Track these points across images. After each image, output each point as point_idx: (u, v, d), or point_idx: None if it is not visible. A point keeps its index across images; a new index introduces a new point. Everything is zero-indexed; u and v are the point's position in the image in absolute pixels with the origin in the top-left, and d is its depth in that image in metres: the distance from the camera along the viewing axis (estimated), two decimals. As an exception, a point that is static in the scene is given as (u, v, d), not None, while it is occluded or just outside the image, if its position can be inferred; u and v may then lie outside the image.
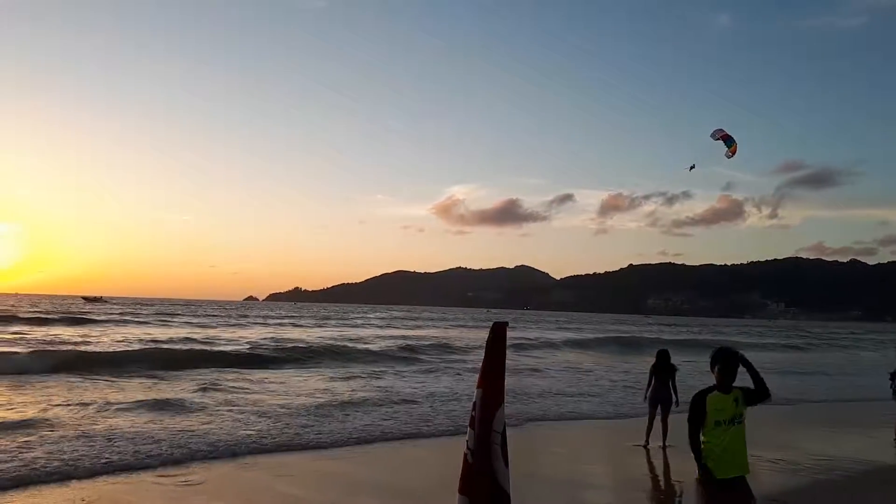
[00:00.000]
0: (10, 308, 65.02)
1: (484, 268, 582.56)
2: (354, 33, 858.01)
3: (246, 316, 73.29)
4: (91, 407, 12.37)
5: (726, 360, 4.84)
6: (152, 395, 13.98)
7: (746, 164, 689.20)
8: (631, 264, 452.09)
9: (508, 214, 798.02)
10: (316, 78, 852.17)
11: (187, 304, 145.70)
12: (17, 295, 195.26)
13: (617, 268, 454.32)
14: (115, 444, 9.47)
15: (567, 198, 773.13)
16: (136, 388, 15.28)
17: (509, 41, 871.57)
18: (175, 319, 56.78)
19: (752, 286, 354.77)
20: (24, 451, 8.84)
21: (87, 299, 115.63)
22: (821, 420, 14.66)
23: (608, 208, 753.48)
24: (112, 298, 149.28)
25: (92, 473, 8.06)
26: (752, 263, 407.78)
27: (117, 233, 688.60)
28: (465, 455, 4.58)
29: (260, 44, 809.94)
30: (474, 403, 4.66)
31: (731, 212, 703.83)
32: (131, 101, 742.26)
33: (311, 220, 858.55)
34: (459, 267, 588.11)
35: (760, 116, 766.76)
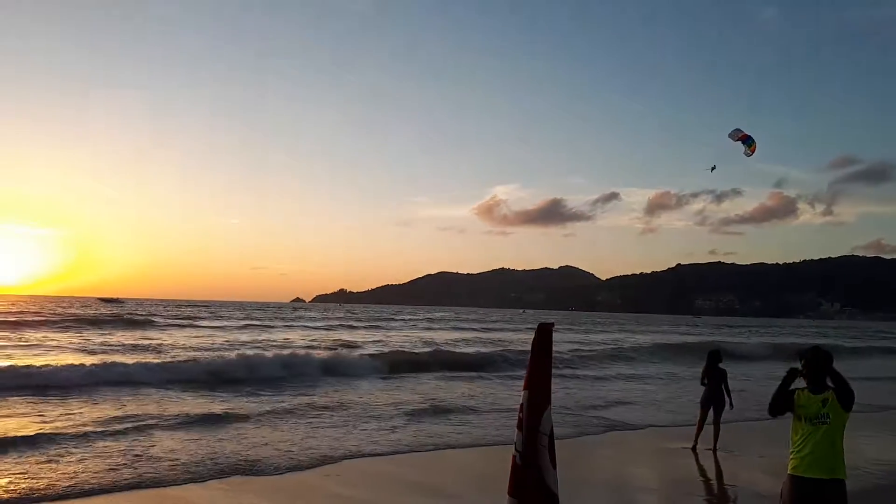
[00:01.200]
0: (59, 312, 67.01)
1: (527, 269, 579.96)
2: (397, 35, 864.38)
3: (307, 318, 73.24)
4: (177, 418, 12.21)
5: (811, 358, 4.74)
6: (222, 407, 13.64)
7: (798, 160, 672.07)
8: (679, 264, 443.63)
9: (552, 214, 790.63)
10: (359, 79, 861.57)
11: (239, 306, 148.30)
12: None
13: (664, 268, 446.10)
14: (168, 455, 9.73)
15: (612, 197, 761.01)
16: (218, 398, 14.95)
17: (550, 39, 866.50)
18: (239, 322, 56.85)
19: (805, 285, 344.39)
20: (67, 462, 9.17)
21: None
22: (882, 426, 14.15)
23: (655, 207, 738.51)
24: (150, 300, 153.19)
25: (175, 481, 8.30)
26: (805, 262, 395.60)
27: (164, 236, 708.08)
28: (514, 457, 4.60)
29: (304, 45, 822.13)
30: (521, 405, 4.67)
31: (782, 209, 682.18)
32: (175, 106, 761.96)
33: (354, 222, 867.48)
34: (502, 268, 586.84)
35: (812, 111, 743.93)
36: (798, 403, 4.75)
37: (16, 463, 8.63)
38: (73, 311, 66.74)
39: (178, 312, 74.36)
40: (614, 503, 8.10)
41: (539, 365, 4.68)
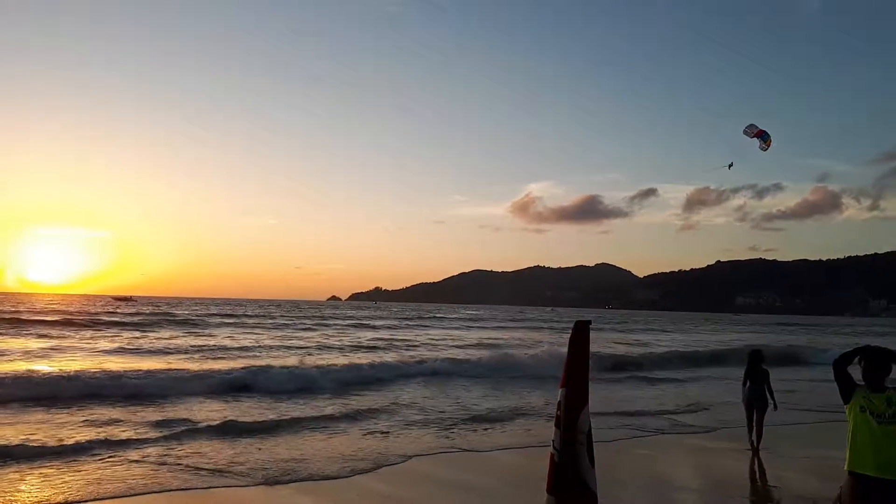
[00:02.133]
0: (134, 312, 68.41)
1: (563, 266, 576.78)
2: (430, 35, 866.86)
3: (352, 318, 72.87)
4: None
5: (872, 356, 4.56)
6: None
7: (842, 154, 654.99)
8: (718, 261, 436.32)
9: (588, 211, 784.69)
10: (391, 80, 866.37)
11: (277, 304, 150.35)
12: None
13: (704, 265, 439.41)
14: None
15: (650, 193, 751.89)
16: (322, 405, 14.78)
17: (584, 35, 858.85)
18: (289, 322, 56.95)
19: (850, 282, 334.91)
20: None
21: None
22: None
23: (694, 203, 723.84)
24: (193, 300, 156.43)
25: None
26: (849, 258, 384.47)
27: (205, 237, 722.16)
28: (552, 455, 4.59)
29: (336, 47, 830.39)
30: (559, 403, 4.65)
31: (826, 204, 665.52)
32: (213, 107, 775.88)
33: (389, 221, 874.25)
34: (538, 265, 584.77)
35: (857, 104, 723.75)
36: (860, 395, 4.56)
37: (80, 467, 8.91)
38: (124, 311, 68.12)
39: (218, 311, 75.57)
40: (652, 502, 8.02)
41: (576, 363, 4.66)
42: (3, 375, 15.37)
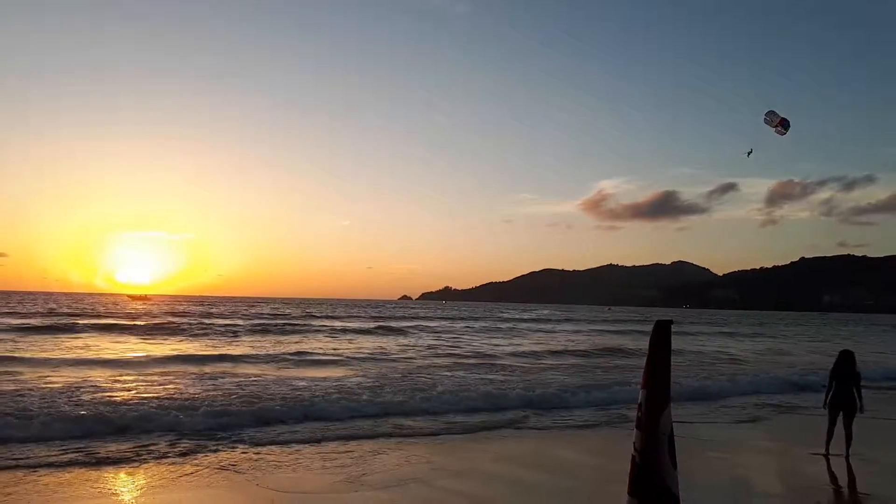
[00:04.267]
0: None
1: (637, 264, 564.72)
2: (497, 34, 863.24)
3: (439, 319, 72.72)
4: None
5: None
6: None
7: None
8: (803, 257, 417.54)
9: (664, 207, 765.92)
10: (461, 81, 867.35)
11: (354, 304, 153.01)
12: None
13: (787, 262, 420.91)
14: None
15: (729, 187, 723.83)
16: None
17: (657, 23, 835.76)
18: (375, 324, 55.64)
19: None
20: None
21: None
22: None
23: (777, 197, 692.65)
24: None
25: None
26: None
27: (282, 238, 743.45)
28: (633, 457, 4.62)
29: (406, 47, 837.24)
30: (640, 405, 4.67)
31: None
32: (287, 112, 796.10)
33: (459, 220, 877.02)
34: (611, 264, 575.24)
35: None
36: None
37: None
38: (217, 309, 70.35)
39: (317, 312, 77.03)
40: (736, 508, 7.86)
41: (658, 363, 4.67)
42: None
